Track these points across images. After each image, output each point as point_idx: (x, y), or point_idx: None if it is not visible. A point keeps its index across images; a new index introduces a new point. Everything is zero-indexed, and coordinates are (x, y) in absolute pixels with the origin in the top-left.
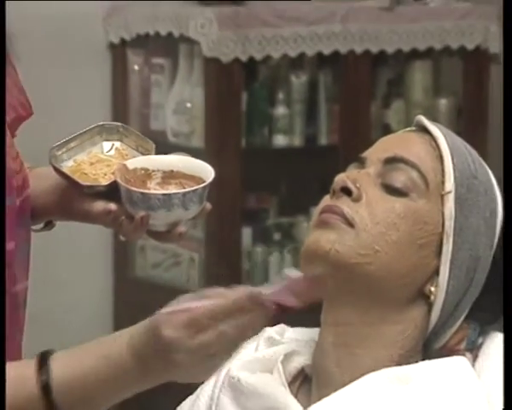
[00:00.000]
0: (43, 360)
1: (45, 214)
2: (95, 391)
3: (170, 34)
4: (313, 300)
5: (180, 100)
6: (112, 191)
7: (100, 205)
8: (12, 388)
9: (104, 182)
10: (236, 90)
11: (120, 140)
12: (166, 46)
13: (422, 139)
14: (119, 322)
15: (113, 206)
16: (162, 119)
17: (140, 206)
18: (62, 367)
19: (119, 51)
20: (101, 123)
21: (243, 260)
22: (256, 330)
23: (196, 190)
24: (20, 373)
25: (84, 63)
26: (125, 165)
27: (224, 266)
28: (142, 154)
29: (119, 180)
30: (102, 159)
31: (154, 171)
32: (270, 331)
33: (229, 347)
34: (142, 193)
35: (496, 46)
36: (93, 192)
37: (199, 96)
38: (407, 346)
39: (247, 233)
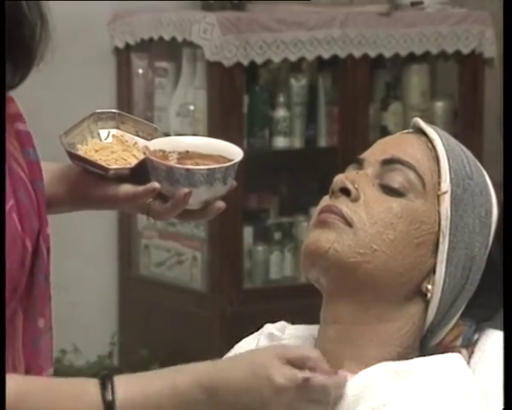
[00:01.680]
0: (107, 379)
1: (54, 206)
2: None
3: (173, 39)
4: None
5: (183, 103)
6: (134, 174)
7: (126, 188)
8: (70, 404)
9: (127, 165)
10: (238, 94)
11: (117, 127)
12: (170, 50)
13: (419, 141)
14: (124, 320)
15: (156, 184)
16: (165, 121)
17: (182, 183)
18: (127, 389)
19: (123, 55)
20: (97, 111)
21: (244, 258)
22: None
23: (235, 164)
24: (79, 389)
25: (90, 67)
26: (147, 147)
27: (225, 264)
28: (145, 138)
29: (157, 160)
30: (106, 146)
31: (170, 152)
32: (271, 328)
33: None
34: (186, 169)
35: (490, 50)
36: (118, 176)
37: (201, 98)
38: (405, 343)
39: (248, 233)
